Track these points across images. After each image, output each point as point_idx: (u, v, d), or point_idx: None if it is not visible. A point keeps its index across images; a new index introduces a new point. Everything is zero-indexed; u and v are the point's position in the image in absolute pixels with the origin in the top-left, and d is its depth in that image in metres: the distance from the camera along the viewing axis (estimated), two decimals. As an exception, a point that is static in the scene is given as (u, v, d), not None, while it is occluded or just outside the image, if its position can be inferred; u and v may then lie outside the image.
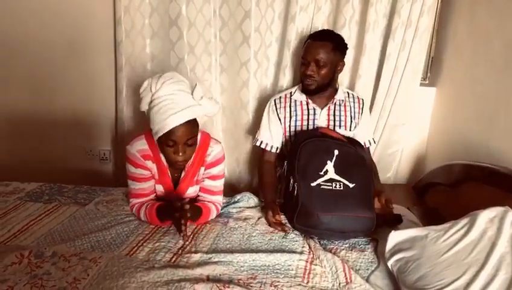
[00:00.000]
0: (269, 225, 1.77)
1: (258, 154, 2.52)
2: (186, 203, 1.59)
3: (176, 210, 1.58)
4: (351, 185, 1.71)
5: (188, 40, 2.31)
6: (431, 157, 2.50)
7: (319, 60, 1.97)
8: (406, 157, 2.58)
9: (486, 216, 1.38)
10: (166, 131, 1.51)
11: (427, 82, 2.53)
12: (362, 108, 2.14)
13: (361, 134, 2.13)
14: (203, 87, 2.33)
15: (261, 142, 2.14)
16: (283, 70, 2.34)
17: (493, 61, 1.91)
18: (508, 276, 1.17)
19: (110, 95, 2.53)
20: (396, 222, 1.76)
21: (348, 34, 2.26)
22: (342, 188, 1.70)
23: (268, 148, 2.13)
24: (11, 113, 2.65)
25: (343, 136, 1.94)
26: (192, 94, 1.56)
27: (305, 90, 2.06)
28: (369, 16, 2.21)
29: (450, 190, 1.96)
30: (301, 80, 2.07)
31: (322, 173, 1.74)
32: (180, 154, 1.57)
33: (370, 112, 2.31)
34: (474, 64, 2.08)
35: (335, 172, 1.73)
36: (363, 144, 2.04)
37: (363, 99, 2.17)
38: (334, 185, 1.71)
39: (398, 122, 2.42)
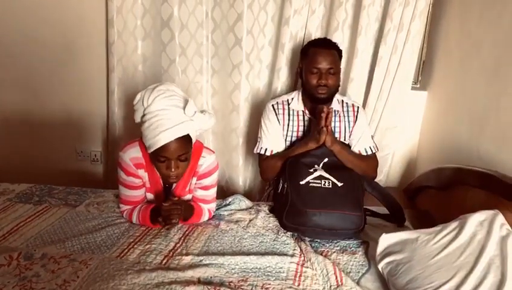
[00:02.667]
0: (319, 134, 1.79)
1: (248, 157, 2.53)
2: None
3: (166, 201, 1.59)
4: (339, 184, 1.74)
5: (180, 42, 2.31)
6: (422, 161, 2.52)
7: (332, 68, 1.93)
8: (397, 161, 2.60)
9: (476, 219, 1.39)
10: (157, 147, 1.50)
11: (418, 86, 2.55)
12: (356, 115, 2.07)
13: (357, 141, 2.07)
14: (194, 89, 2.35)
15: (266, 150, 2.03)
16: (277, 73, 2.35)
17: (483, 66, 1.93)
18: (497, 279, 1.18)
19: (101, 96, 2.52)
20: (400, 218, 1.83)
21: (341, 38, 2.28)
22: (330, 186, 1.73)
23: (271, 154, 2.04)
24: (2, 114, 2.63)
25: None
26: (184, 110, 1.53)
27: (316, 99, 1.97)
28: (361, 20, 2.23)
29: (440, 193, 1.98)
30: (308, 91, 1.98)
31: (311, 170, 1.77)
32: (173, 170, 1.55)
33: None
34: (465, 68, 2.10)
35: (325, 171, 1.76)
36: (358, 152, 2.05)
37: (358, 107, 2.10)
38: (323, 182, 1.73)
39: (389, 125, 2.43)
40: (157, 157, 1.54)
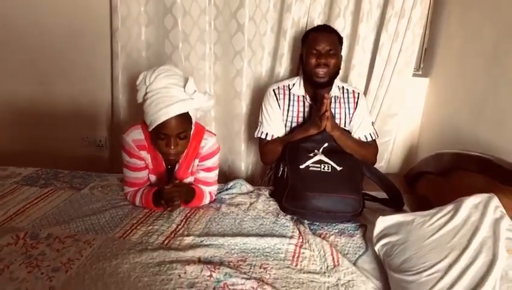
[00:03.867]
0: (320, 120, 1.81)
1: (250, 143, 2.56)
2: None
3: (167, 184, 1.63)
4: (338, 168, 1.77)
5: (183, 29, 2.33)
6: (423, 147, 2.54)
7: (331, 49, 1.95)
8: (398, 147, 2.62)
9: (471, 202, 1.41)
10: (158, 124, 1.53)
11: (420, 73, 2.56)
12: (357, 102, 2.08)
13: (357, 128, 2.08)
14: (197, 75, 2.37)
15: (266, 134, 2.06)
16: (279, 59, 2.37)
17: (482, 52, 1.94)
18: (488, 259, 1.20)
19: (106, 83, 2.55)
20: (399, 203, 1.86)
21: (343, 24, 2.29)
22: (329, 170, 1.76)
23: (272, 139, 2.07)
24: (9, 101, 2.67)
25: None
26: (184, 88, 1.57)
27: (315, 83, 1.99)
28: (363, 6, 2.24)
29: (439, 178, 2.00)
30: (309, 74, 2.00)
31: (311, 155, 1.80)
32: (172, 147, 1.59)
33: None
34: (465, 55, 2.11)
35: (324, 155, 1.79)
36: (358, 138, 2.07)
37: (359, 93, 2.11)
38: (322, 166, 1.76)
39: (390, 112, 2.45)
40: (158, 135, 1.58)
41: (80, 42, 2.52)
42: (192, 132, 1.68)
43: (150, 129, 1.58)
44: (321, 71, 1.96)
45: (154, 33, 2.40)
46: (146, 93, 1.58)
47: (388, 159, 2.58)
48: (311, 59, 1.97)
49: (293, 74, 2.41)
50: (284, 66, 2.38)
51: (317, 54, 1.96)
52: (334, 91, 2.05)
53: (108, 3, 2.38)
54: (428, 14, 2.39)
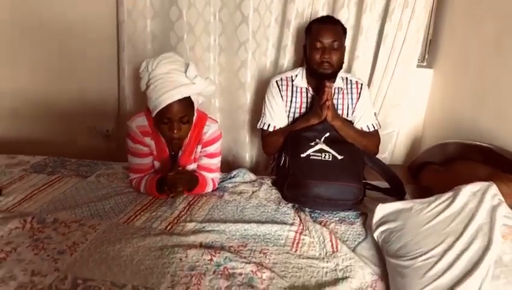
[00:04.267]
0: (321, 110, 1.83)
1: (255, 134, 2.58)
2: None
3: (171, 171, 1.67)
4: (339, 157, 1.79)
5: (188, 20, 2.35)
6: (427, 139, 2.54)
7: (335, 40, 1.94)
8: (402, 138, 2.62)
9: (469, 190, 1.43)
10: (160, 108, 1.57)
11: (424, 64, 2.55)
12: (360, 92, 2.09)
13: (360, 118, 2.10)
14: (201, 66, 2.40)
15: (269, 125, 2.07)
16: (283, 50, 2.38)
17: (485, 43, 1.94)
18: (483, 244, 1.22)
19: (113, 74, 2.59)
20: (400, 192, 1.87)
21: (347, 15, 2.30)
22: (330, 159, 1.79)
23: (274, 130, 2.09)
24: (19, 92, 2.72)
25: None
26: (185, 73, 1.61)
27: (320, 74, 1.97)
28: (367, -3, 2.24)
29: (442, 169, 2.01)
30: (312, 66, 1.99)
31: (312, 144, 1.82)
32: (175, 131, 1.62)
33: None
34: (467, 45, 2.11)
35: (325, 144, 1.82)
36: (360, 129, 2.08)
37: (362, 84, 2.11)
38: (323, 155, 1.79)
39: (394, 103, 2.46)
40: (161, 119, 1.62)
41: (88, 35, 2.55)
42: (194, 118, 1.71)
43: (154, 114, 1.62)
44: (324, 65, 1.95)
45: (160, 25, 2.42)
46: (149, 80, 1.62)
47: (392, 150, 2.59)
48: (315, 54, 1.96)
49: (297, 64, 2.42)
50: (287, 57, 2.39)
51: (321, 48, 1.94)
52: (338, 82, 2.05)
53: (114, -4, 2.41)
54: (432, 4, 2.38)
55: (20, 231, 1.48)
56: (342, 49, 1.99)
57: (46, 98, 2.71)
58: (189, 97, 1.62)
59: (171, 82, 1.58)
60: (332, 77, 2.01)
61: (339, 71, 2.03)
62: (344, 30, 2.03)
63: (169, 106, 1.57)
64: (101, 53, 2.58)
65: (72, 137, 2.76)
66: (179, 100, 1.57)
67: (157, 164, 1.84)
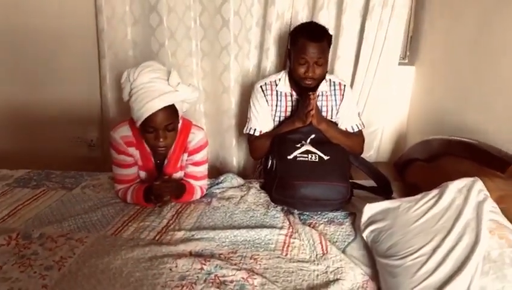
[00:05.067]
0: (306, 117, 1.84)
1: (241, 138, 2.58)
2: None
3: (157, 180, 1.65)
4: (325, 157, 1.80)
5: (168, 26, 2.34)
6: (412, 135, 2.56)
7: (320, 59, 1.92)
8: (387, 136, 2.65)
9: (455, 187, 1.44)
10: (144, 118, 1.55)
11: (406, 61, 2.58)
12: (343, 94, 2.09)
13: (344, 119, 2.10)
14: (184, 72, 2.38)
15: (255, 130, 2.07)
16: (265, 53, 2.38)
17: (465, 38, 1.96)
18: (472, 240, 1.23)
19: (94, 82, 2.55)
20: (387, 191, 1.89)
21: (327, 16, 2.31)
22: (317, 160, 1.80)
23: (260, 134, 2.08)
24: (-1, 103, 2.68)
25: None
26: (168, 81, 1.60)
27: (302, 88, 1.97)
28: (346, -4, 2.25)
29: (427, 165, 2.02)
30: (295, 77, 1.98)
31: (298, 145, 1.83)
32: (161, 139, 1.61)
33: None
34: (449, 42, 2.13)
35: (311, 146, 1.83)
36: (345, 129, 2.09)
37: (345, 85, 2.12)
38: (310, 156, 1.80)
39: (378, 101, 2.48)
40: (146, 129, 1.60)
41: (67, 43, 2.52)
42: (179, 126, 1.70)
43: (138, 124, 1.60)
44: (308, 81, 1.95)
45: (140, 32, 2.40)
46: (131, 90, 1.60)
47: (377, 147, 2.61)
48: (299, 68, 1.94)
49: (280, 67, 2.42)
50: (270, 59, 2.39)
51: (305, 64, 1.93)
52: (322, 86, 2.04)
53: (93, 4, 2.37)
54: (411, 1, 2.40)
55: (5, 248, 1.45)
56: (326, 62, 1.98)
57: (26, 109, 2.67)
58: (173, 105, 1.60)
59: (154, 91, 1.56)
60: (315, 89, 1.99)
61: (322, 81, 2.02)
62: (329, 42, 2.00)
63: (153, 115, 1.55)
64: (82, 62, 2.55)
65: (55, 148, 2.72)
66: (163, 108, 1.56)
67: (142, 173, 1.82)
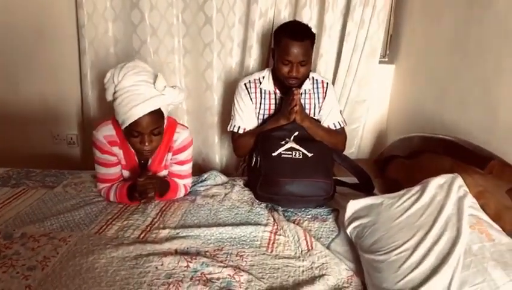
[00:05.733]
0: (289, 114, 1.86)
1: (224, 135, 2.58)
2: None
3: (141, 176, 1.62)
4: (309, 155, 1.82)
5: (150, 23, 2.32)
6: (391, 132, 2.61)
7: (303, 59, 1.92)
8: (368, 133, 2.69)
9: (436, 183, 1.47)
10: (129, 123, 1.53)
11: (386, 59, 2.62)
12: (326, 91, 2.11)
13: (326, 117, 2.12)
14: (167, 69, 2.37)
15: (238, 128, 2.07)
16: (248, 51, 2.38)
17: (444, 38, 2.00)
18: (453, 235, 1.26)
19: (74, 79, 2.51)
20: (369, 187, 1.92)
21: (309, 14, 2.32)
22: (301, 157, 1.82)
23: (245, 132, 2.09)
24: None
25: None
26: (154, 85, 1.56)
27: (286, 86, 1.98)
28: (328, -5, 2.27)
29: (408, 162, 2.06)
30: (279, 76, 1.99)
31: (283, 142, 1.85)
32: (147, 144, 1.59)
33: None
34: (428, 41, 2.17)
35: (295, 143, 1.85)
36: (327, 127, 2.10)
37: (327, 83, 2.14)
38: (294, 153, 1.82)
39: (358, 99, 2.51)
40: (131, 132, 1.57)
41: (47, 39, 2.48)
42: (164, 126, 1.67)
43: (123, 127, 1.58)
44: (291, 81, 1.95)
45: (122, 28, 2.37)
46: (115, 92, 1.56)
47: (358, 145, 2.64)
48: (282, 68, 1.95)
49: (263, 64, 2.43)
50: (253, 57, 2.39)
51: (289, 64, 1.93)
52: (305, 84, 2.06)
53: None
54: (391, 1, 2.44)
55: (-14, 249, 1.42)
56: (310, 62, 1.99)
57: (4, 107, 2.62)
58: (159, 108, 1.57)
59: (139, 95, 1.52)
60: (300, 86, 2.01)
61: (306, 80, 2.04)
62: (313, 41, 1.99)
63: (139, 120, 1.52)
64: (62, 58, 2.51)
65: (34, 147, 2.68)
66: (149, 113, 1.53)
67: (126, 173, 1.80)
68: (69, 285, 1.27)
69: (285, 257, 1.46)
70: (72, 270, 1.33)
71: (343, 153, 2.11)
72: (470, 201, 1.39)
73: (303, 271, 1.40)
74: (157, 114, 1.57)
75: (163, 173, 1.82)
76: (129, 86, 1.53)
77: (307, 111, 2.07)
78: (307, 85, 2.08)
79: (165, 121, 1.65)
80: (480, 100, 1.73)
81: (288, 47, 1.90)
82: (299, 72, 1.94)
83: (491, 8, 1.66)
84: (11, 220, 1.60)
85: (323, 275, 1.37)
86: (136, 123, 1.53)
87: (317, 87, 2.11)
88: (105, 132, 1.68)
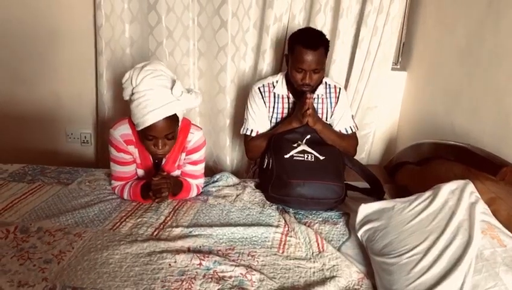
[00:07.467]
0: (302, 117, 1.89)
1: (235, 138, 2.60)
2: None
3: (155, 176, 1.65)
4: (321, 158, 1.84)
5: (167, 25, 2.36)
6: (402, 139, 2.62)
7: (316, 67, 1.93)
8: (378, 139, 2.69)
9: (448, 188, 1.48)
10: (145, 126, 1.55)
11: (398, 67, 2.63)
12: (338, 96, 2.13)
13: (338, 121, 2.13)
14: (181, 71, 2.40)
15: (251, 131, 2.10)
16: (262, 55, 2.40)
17: (457, 46, 2.01)
18: (464, 240, 1.27)
19: (90, 79, 2.56)
20: (379, 192, 1.93)
21: (323, 20, 2.34)
22: (313, 160, 1.84)
23: (257, 134, 2.11)
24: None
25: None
26: (171, 91, 1.57)
27: (299, 92, 2.00)
28: (342, 2, 2.28)
29: (418, 168, 2.07)
30: (292, 82, 2.01)
31: (295, 145, 1.87)
32: (160, 147, 1.61)
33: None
34: (441, 49, 2.18)
35: (307, 146, 1.87)
36: (339, 131, 2.12)
37: (340, 88, 2.15)
38: (306, 156, 1.84)
39: (370, 105, 2.52)
40: (146, 136, 1.59)
41: (64, 39, 2.52)
42: (178, 129, 1.69)
43: (138, 129, 1.60)
44: (306, 87, 1.97)
45: (138, 30, 2.41)
46: (133, 94, 1.58)
47: (369, 150, 2.65)
48: (296, 75, 1.96)
49: (276, 69, 2.45)
50: (266, 61, 2.41)
51: (302, 72, 1.94)
52: (318, 89, 2.08)
53: (91, 0, 2.38)
54: (405, 9, 2.46)
55: (3, 241, 1.45)
56: (323, 69, 2.00)
57: (21, 106, 2.66)
58: (174, 114, 1.59)
59: (156, 100, 1.53)
60: (313, 91, 2.02)
61: (319, 86, 2.06)
62: (327, 49, 2.00)
63: (154, 125, 1.54)
64: (78, 58, 2.55)
65: (48, 145, 2.72)
66: (164, 118, 1.55)
67: (140, 171, 1.83)
68: (84, 279, 1.30)
69: (296, 258, 1.48)
70: (87, 265, 1.36)
71: (354, 157, 2.12)
72: (482, 207, 1.40)
73: (314, 272, 1.41)
74: (172, 119, 1.59)
75: (177, 172, 1.84)
76: (146, 89, 1.55)
77: (319, 115, 2.09)
78: (320, 90, 2.09)
79: (180, 123, 1.68)
80: (493, 108, 1.74)
81: (302, 55, 1.91)
82: (312, 79, 1.95)
83: (506, 18, 1.67)
84: (27, 215, 1.64)
85: (334, 276, 1.38)
86: (150, 128, 1.55)
87: (330, 92, 2.13)
88: (122, 131, 1.71)
